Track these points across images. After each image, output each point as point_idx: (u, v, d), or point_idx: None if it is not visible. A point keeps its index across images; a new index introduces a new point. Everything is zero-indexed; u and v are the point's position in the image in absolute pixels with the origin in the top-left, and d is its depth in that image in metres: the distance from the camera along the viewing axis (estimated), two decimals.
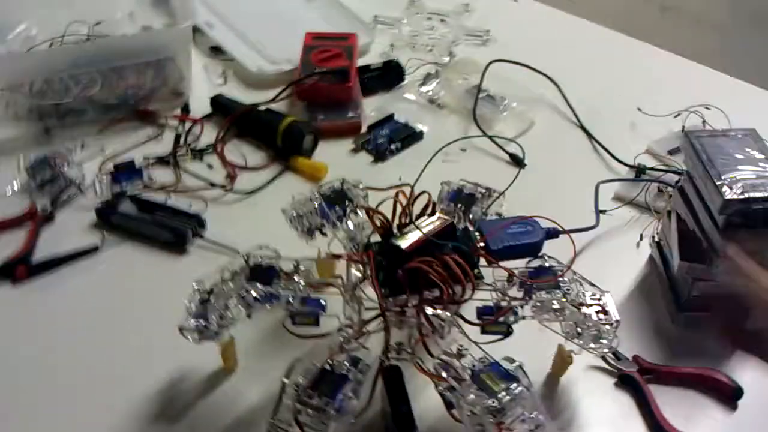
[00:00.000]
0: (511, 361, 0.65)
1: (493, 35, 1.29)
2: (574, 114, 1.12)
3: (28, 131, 1.06)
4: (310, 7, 1.32)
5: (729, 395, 0.76)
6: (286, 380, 0.65)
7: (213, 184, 0.99)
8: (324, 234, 0.77)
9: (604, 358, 0.78)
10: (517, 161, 1.04)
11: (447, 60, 1.23)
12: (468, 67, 1.19)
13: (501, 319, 0.70)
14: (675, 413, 0.74)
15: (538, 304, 0.70)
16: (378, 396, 0.69)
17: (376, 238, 0.75)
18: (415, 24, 1.31)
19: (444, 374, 0.65)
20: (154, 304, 0.83)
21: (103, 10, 1.22)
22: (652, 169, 1.01)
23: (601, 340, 0.68)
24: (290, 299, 0.70)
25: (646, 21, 2.57)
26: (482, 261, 0.75)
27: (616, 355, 0.78)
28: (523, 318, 0.71)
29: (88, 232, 0.92)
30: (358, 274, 0.71)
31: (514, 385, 0.62)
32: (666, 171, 1.01)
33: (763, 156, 0.84)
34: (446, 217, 0.74)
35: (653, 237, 0.91)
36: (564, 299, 0.70)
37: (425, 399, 0.69)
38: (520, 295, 0.71)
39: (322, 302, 0.71)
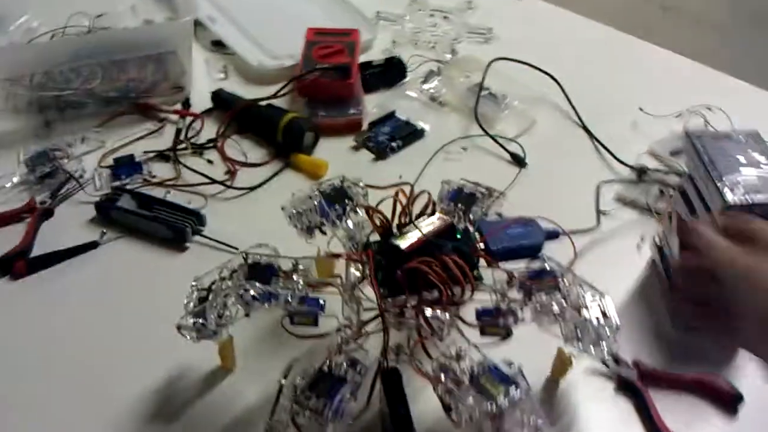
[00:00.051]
0: (511, 364, 0.65)
1: (496, 33, 1.29)
2: (576, 113, 1.12)
3: (28, 124, 1.06)
4: (312, 3, 1.31)
5: (729, 401, 0.76)
6: (283, 381, 0.65)
7: (213, 180, 0.98)
8: (323, 232, 0.76)
9: (603, 362, 0.78)
10: (518, 160, 1.03)
11: (449, 57, 1.23)
12: (470, 64, 1.18)
13: (500, 320, 0.70)
14: (675, 419, 0.74)
15: (538, 306, 0.70)
16: (376, 398, 0.69)
17: (375, 237, 0.75)
18: (418, 21, 1.30)
19: (443, 377, 0.64)
20: (152, 301, 0.83)
21: (105, 3, 1.22)
22: (653, 170, 1.01)
23: (601, 344, 0.68)
24: (289, 298, 0.70)
25: (648, 20, 2.57)
26: (482, 262, 0.74)
27: (616, 359, 0.78)
28: (523, 320, 0.70)
29: (88, 227, 0.92)
30: (358, 274, 0.71)
31: (513, 388, 0.62)
32: (667, 172, 1.00)
33: (765, 158, 0.84)
34: (446, 217, 0.74)
35: (654, 239, 0.91)
36: (564, 302, 0.70)
37: (424, 401, 0.69)
38: (520, 296, 0.71)
39: (321, 302, 0.71)
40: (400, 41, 1.26)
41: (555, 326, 0.69)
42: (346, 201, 0.77)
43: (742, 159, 0.87)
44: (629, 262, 0.85)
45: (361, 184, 0.79)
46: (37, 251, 0.89)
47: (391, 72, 1.18)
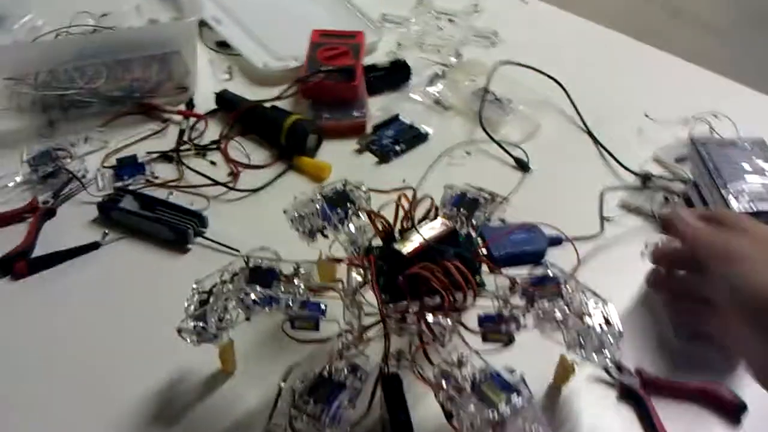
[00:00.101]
0: (513, 371, 0.64)
1: (501, 36, 1.28)
2: (581, 118, 1.11)
3: (32, 123, 1.06)
4: (317, 4, 1.31)
5: (732, 410, 0.75)
6: (282, 384, 0.64)
7: (215, 182, 0.98)
8: (325, 236, 0.76)
9: (606, 370, 0.77)
10: (522, 165, 1.03)
11: (454, 61, 1.22)
12: (475, 68, 1.18)
13: (502, 327, 0.70)
14: (677, 428, 0.73)
15: (541, 313, 0.69)
16: (377, 404, 0.68)
17: (377, 242, 0.74)
18: (423, 23, 1.30)
19: (444, 383, 0.64)
20: (154, 303, 0.82)
21: (110, 2, 1.22)
22: (658, 177, 1.00)
23: (603, 352, 0.67)
24: (290, 303, 0.69)
25: (655, 25, 2.56)
26: (484, 268, 0.74)
27: (619, 367, 0.77)
28: (525, 327, 0.70)
29: (89, 228, 0.92)
30: (359, 279, 0.71)
31: (515, 396, 0.62)
32: (672, 179, 1.00)
33: None
34: (448, 223, 0.74)
35: (658, 246, 0.90)
36: (567, 309, 0.70)
37: (425, 407, 0.69)
38: (523, 303, 0.70)
39: (322, 306, 0.71)
40: (406, 44, 1.26)
41: (557, 333, 0.69)
42: (348, 205, 0.76)
43: (747, 166, 0.87)
44: (633, 269, 0.84)
45: (364, 187, 0.78)
46: (38, 251, 0.89)
47: (395, 75, 1.17)
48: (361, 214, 0.76)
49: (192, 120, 1.08)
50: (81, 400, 0.75)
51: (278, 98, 1.09)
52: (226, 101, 1.10)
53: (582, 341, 0.68)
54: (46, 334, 0.81)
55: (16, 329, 0.81)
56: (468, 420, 0.61)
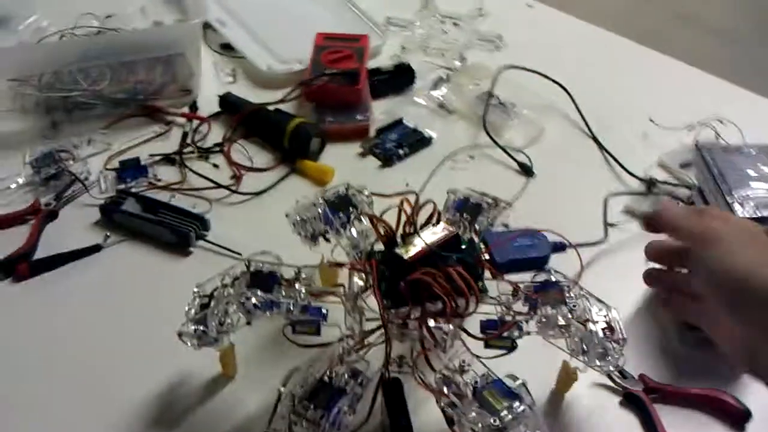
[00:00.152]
0: (515, 378, 0.64)
1: (506, 40, 1.28)
2: (585, 123, 1.11)
3: (35, 125, 1.06)
4: (322, 8, 1.30)
5: (736, 418, 0.75)
6: (282, 389, 0.64)
7: (218, 185, 0.98)
8: (327, 240, 0.76)
9: (609, 376, 0.76)
10: (526, 170, 1.03)
11: (458, 64, 1.22)
12: (479, 72, 1.17)
13: (505, 333, 0.69)
14: None
15: (544, 319, 0.69)
16: (378, 409, 0.68)
17: (379, 246, 0.74)
18: (428, 27, 1.29)
19: (445, 389, 0.64)
20: (155, 306, 0.82)
21: (115, 4, 1.21)
22: (663, 182, 1.00)
23: (607, 358, 0.67)
24: (291, 307, 0.69)
25: (660, 30, 2.55)
26: (487, 274, 0.73)
27: (622, 374, 0.77)
28: (528, 333, 0.69)
29: (92, 230, 0.92)
30: (361, 284, 0.70)
31: (517, 403, 0.61)
32: (677, 185, 0.99)
33: None
34: (451, 228, 0.73)
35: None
36: (570, 315, 0.69)
37: (426, 413, 0.68)
38: (525, 309, 0.70)
39: (324, 311, 0.70)
40: (410, 47, 1.26)
41: (560, 339, 0.69)
42: (351, 209, 0.76)
43: (752, 173, 0.87)
44: (637, 276, 0.84)
45: (366, 192, 0.78)
46: (40, 253, 0.88)
47: (399, 78, 1.17)
48: (363, 219, 0.75)
49: (195, 122, 1.08)
50: (82, 403, 0.74)
51: (282, 101, 1.09)
52: (229, 104, 1.10)
53: (585, 347, 0.67)
54: (47, 336, 0.81)
55: (17, 331, 0.81)
56: (469, 427, 0.60)
